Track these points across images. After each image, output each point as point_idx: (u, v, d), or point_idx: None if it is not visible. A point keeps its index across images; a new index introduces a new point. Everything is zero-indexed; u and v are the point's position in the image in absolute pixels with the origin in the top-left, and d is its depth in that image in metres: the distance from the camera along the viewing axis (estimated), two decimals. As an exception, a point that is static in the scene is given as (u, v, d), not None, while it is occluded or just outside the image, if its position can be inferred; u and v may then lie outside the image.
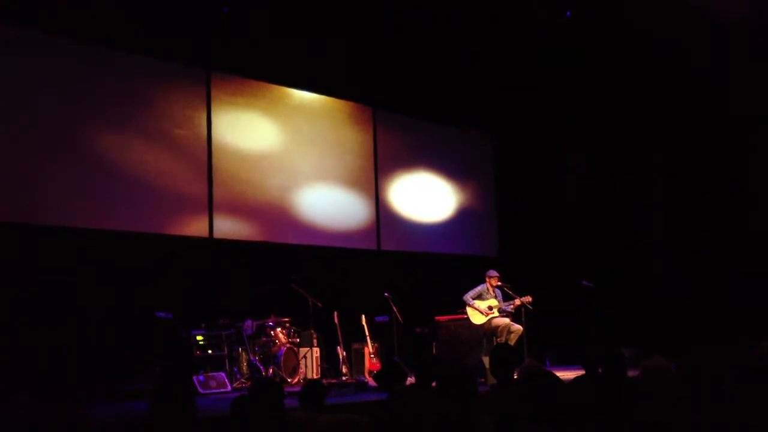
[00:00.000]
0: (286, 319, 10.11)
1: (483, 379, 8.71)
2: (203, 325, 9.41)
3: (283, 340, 9.89)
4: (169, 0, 9.36)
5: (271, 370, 9.53)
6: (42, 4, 8.61)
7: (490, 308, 10.32)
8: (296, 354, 9.92)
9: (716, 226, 11.79)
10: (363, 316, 10.55)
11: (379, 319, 10.81)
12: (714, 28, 10.45)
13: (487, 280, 10.50)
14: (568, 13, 10.69)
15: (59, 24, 8.85)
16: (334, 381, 9.80)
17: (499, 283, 10.48)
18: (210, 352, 9.26)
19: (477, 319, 10.32)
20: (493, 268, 10.67)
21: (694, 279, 11.73)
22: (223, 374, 9.05)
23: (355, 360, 10.62)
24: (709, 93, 11.62)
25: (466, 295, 10.39)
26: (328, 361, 10.46)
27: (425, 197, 12.95)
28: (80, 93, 9.13)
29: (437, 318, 10.85)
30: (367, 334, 10.53)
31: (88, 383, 8.14)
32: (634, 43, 11.21)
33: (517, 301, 10.23)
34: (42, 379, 7.72)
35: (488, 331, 10.29)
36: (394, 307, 10.58)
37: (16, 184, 8.54)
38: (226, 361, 9.37)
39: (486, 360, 8.88)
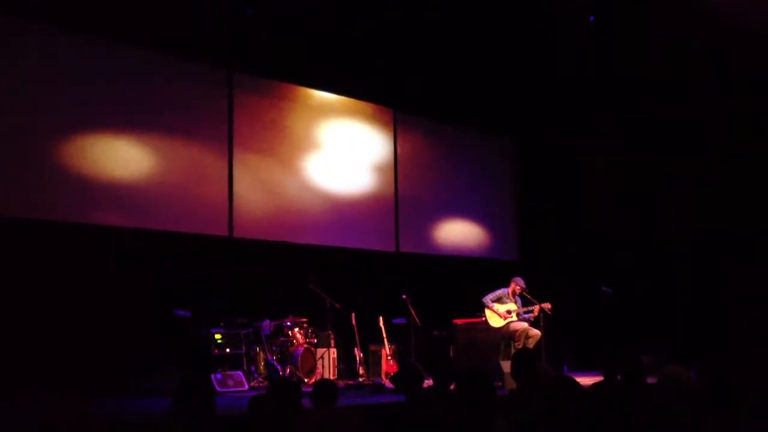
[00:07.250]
0: (304, 320, 10.12)
1: (500, 383, 8.69)
2: (222, 324, 9.44)
3: (301, 341, 9.91)
4: (192, 1, 9.41)
5: (288, 370, 9.55)
6: (64, 4, 8.66)
7: (509, 312, 10.29)
8: (313, 354, 9.93)
9: (737, 234, 11.67)
10: (381, 318, 10.53)
11: (397, 321, 10.78)
12: (737, 31, 10.36)
13: (512, 284, 10.47)
14: (592, 18, 10.63)
15: (79, 23, 8.88)
16: (350, 382, 9.81)
17: (521, 291, 10.47)
18: (228, 350, 9.29)
19: (495, 322, 10.29)
20: (520, 276, 10.64)
21: (713, 287, 11.63)
22: (240, 373, 9.09)
23: (372, 362, 10.62)
24: (731, 98, 11.53)
25: (486, 297, 10.37)
26: (345, 362, 10.46)
27: (445, 199, 12.93)
28: (101, 92, 9.16)
29: (455, 321, 10.83)
30: (384, 336, 10.52)
31: (107, 380, 8.19)
32: (656, 49, 11.13)
33: (537, 309, 10.16)
34: (61, 376, 7.77)
35: (506, 335, 10.27)
36: (411, 310, 10.55)
37: (41, 181, 8.61)
38: (244, 359, 9.40)
39: (503, 364, 8.85)
